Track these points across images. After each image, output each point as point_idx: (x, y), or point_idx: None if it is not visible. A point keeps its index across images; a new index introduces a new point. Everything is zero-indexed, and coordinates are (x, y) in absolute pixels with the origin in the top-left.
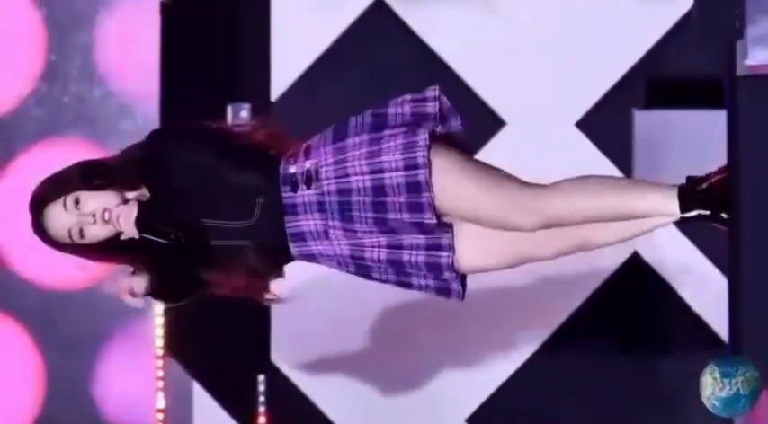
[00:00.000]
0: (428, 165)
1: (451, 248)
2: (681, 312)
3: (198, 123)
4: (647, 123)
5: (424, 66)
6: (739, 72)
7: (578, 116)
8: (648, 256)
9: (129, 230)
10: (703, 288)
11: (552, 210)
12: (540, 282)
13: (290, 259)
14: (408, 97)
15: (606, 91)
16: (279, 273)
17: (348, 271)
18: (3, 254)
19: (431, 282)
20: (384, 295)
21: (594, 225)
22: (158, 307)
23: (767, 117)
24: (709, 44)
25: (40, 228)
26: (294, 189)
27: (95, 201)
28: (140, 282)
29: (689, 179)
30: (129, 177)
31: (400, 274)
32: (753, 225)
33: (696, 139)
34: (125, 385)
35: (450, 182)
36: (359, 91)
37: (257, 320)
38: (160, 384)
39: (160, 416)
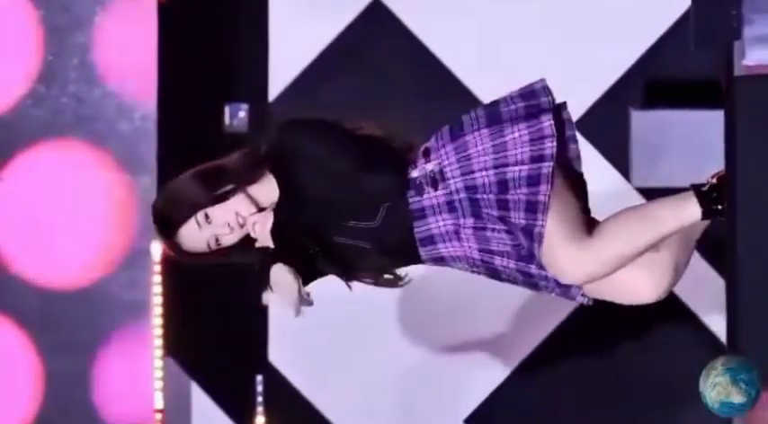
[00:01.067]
0: (552, 158)
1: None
2: (679, 312)
3: (323, 118)
4: (645, 123)
5: (422, 66)
6: (737, 72)
7: (576, 116)
8: None
9: (265, 240)
10: (700, 289)
11: (600, 264)
12: None
13: (418, 262)
14: (517, 92)
15: (604, 91)
16: (398, 278)
17: (478, 273)
18: (1, 255)
19: (557, 289)
20: (382, 296)
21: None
22: (157, 307)
23: (764, 117)
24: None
25: (175, 248)
26: (420, 192)
27: (225, 212)
28: (296, 284)
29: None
30: (252, 173)
31: (527, 283)
32: (750, 224)
33: (693, 139)
34: (124, 386)
35: (553, 209)
36: (357, 91)
37: (255, 320)
38: (159, 384)
39: (159, 416)
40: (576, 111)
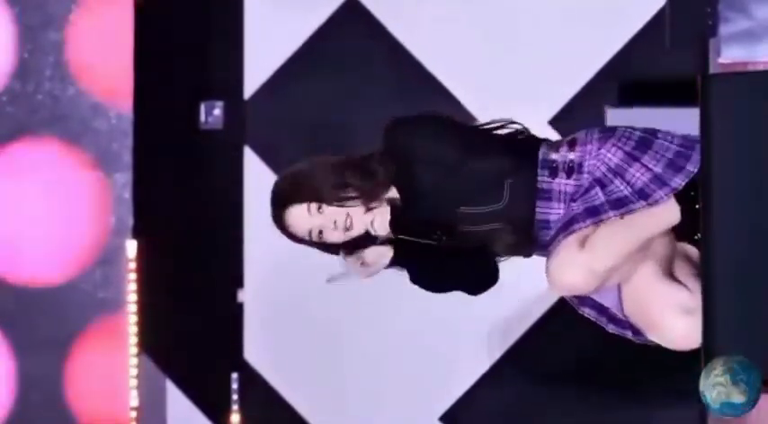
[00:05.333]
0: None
1: None
2: None
3: (428, 113)
4: (620, 121)
5: (397, 63)
6: (712, 69)
7: (551, 114)
8: None
9: (385, 233)
10: None
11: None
12: (517, 278)
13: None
14: (680, 135)
15: (579, 88)
16: (530, 248)
17: None
18: None
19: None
20: (357, 293)
21: None
22: (132, 305)
23: (740, 115)
24: (683, 42)
25: (280, 221)
26: (553, 175)
27: (339, 211)
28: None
29: None
30: (375, 193)
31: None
32: (725, 222)
33: None
34: (98, 383)
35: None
36: (332, 89)
37: (231, 318)
38: (134, 382)
39: (133, 414)
40: (551, 109)
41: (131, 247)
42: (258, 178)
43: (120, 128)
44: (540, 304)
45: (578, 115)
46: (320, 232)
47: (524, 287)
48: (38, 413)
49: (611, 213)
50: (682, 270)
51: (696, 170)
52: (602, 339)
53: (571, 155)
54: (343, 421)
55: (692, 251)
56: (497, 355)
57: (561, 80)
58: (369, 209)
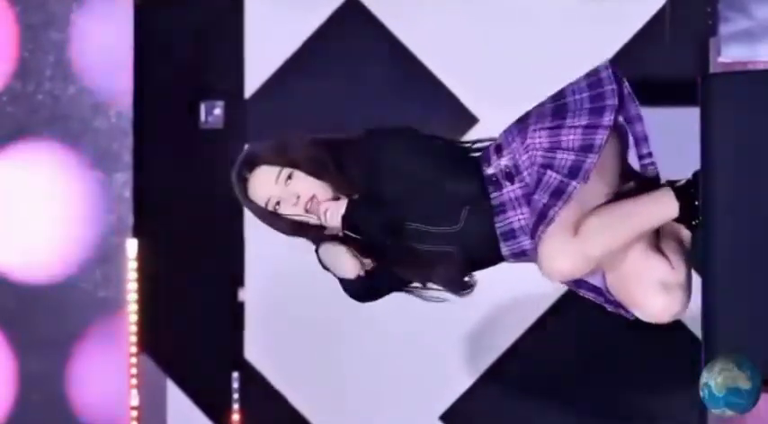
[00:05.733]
0: (598, 152)
1: None
2: None
3: (402, 128)
4: None
5: (398, 62)
6: (713, 69)
7: None
8: None
9: (334, 226)
10: None
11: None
12: (516, 278)
13: (499, 260)
14: (584, 83)
15: None
16: (468, 284)
17: None
18: None
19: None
20: None
21: None
22: (132, 304)
23: (740, 114)
24: (683, 41)
25: (241, 179)
26: (498, 188)
27: (307, 185)
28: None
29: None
30: (350, 186)
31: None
32: (725, 221)
33: (669, 137)
34: (99, 383)
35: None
36: (332, 88)
37: (231, 317)
38: (134, 381)
39: (134, 413)
40: None
41: (131, 246)
42: None
43: (120, 128)
44: (540, 304)
45: None
46: (278, 202)
47: (524, 287)
48: (38, 412)
49: (573, 183)
50: (668, 245)
51: (615, 102)
52: (601, 338)
53: (503, 162)
54: (343, 420)
55: (684, 231)
56: (497, 354)
57: (561, 79)
58: (333, 199)
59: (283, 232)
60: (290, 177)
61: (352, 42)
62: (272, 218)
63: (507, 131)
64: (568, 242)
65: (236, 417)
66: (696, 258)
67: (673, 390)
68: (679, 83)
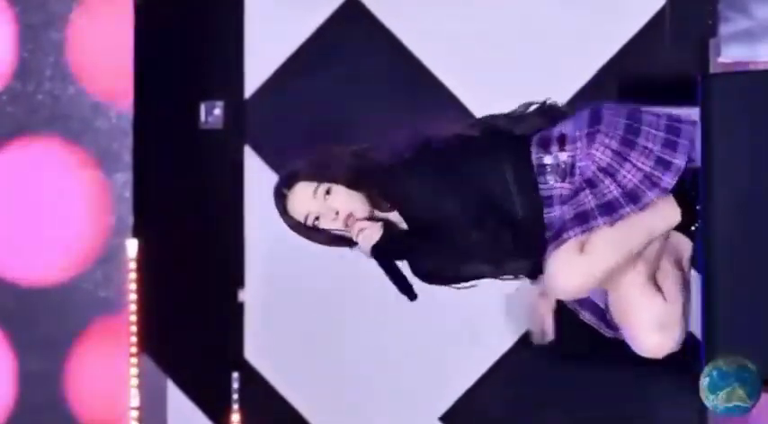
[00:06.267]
0: (642, 208)
1: None
2: None
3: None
4: None
5: (397, 63)
6: (712, 69)
7: None
8: None
9: (365, 249)
10: None
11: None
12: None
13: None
14: (664, 116)
15: (579, 87)
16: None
17: None
18: None
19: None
20: (358, 294)
21: None
22: (132, 304)
23: (740, 114)
24: (683, 41)
25: (280, 196)
26: (549, 180)
27: (345, 201)
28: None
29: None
30: (388, 203)
31: None
32: (725, 221)
33: None
34: (99, 383)
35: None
36: (332, 88)
37: (231, 317)
38: (134, 381)
39: (134, 414)
40: None
41: (132, 246)
42: (258, 178)
43: (120, 128)
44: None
45: None
46: (317, 218)
47: (523, 287)
48: (38, 413)
49: (600, 220)
50: (665, 275)
51: (684, 162)
52: (602, 339)
53: (563, 156)
54: (343, 420)
55: (684, 243)
56: (498, 354)
57: (561, 79)
58: (369, 218)
59: (322, 244)
60: (328, 192)
61: (352, 42)
62: (310, 232)
63: (576, 123)
64: (576, 259)
65: (235, 417)
66: (696, 258)
67: (673, 389)
68: (679, 82)
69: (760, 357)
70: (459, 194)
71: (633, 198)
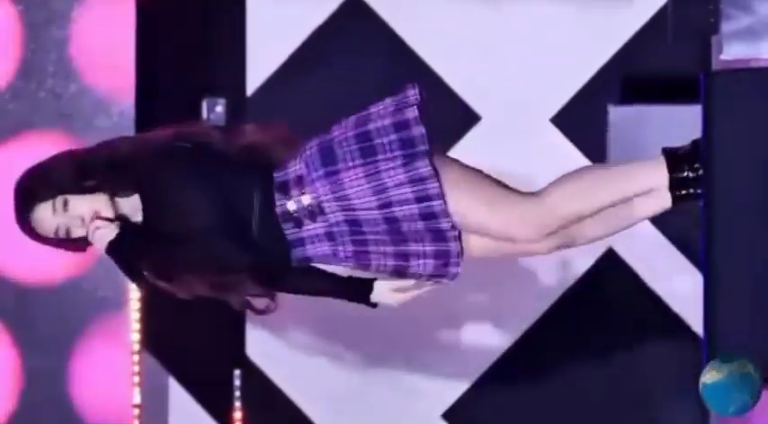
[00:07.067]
0: (441, 197)
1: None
2: (656, 307)
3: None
4: (622, 118)
5: (399, 60)
6: (714, 67)
7: (553, 111)
8: (623, 252)
9: (100, 248)
10: (678, 284)
11: (555, 220)
12: (515, 278)
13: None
14: (389, 120)
15: (581, 86)
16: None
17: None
18: None
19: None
20: None
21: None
22: (135, 302)
23: (741, 111)
24: (685, 39)
25: (25, 222)
26: (298, 225)
27: (85, 205)
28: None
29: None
30: (120, 187)
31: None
32: (727, 218)
33: (671, 134)
34: (101, 380)
35: (461, 199)
36: (334, 85)
37: (233, 315)
38: (136, 379)
39: (136, 411)
40: (552, 107)
41: None
42: None
43: (122, 126)
44: (541, 303)
45: (580, 113)
46: (68, 229)
47: (524, 288)
48: (41, 410)
49: (434, 203)
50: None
51: (426, 146)
52: (602, 338)
53: (305, 200)
54: (344, 418)
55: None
56: (499, 353)
57: (563, 77)
58: (114, 208)
59: (85, 252)
60: (65, 204)
61: (354, 40)
62: (69, 243)
63: (309, 163)
64: (533, 204)
65: (237, 414)
66: (698, 256)
67: (674, 389)
68: (681, 80)
69: (760, 357)
70: (206, 193)
71: (421, 178)
